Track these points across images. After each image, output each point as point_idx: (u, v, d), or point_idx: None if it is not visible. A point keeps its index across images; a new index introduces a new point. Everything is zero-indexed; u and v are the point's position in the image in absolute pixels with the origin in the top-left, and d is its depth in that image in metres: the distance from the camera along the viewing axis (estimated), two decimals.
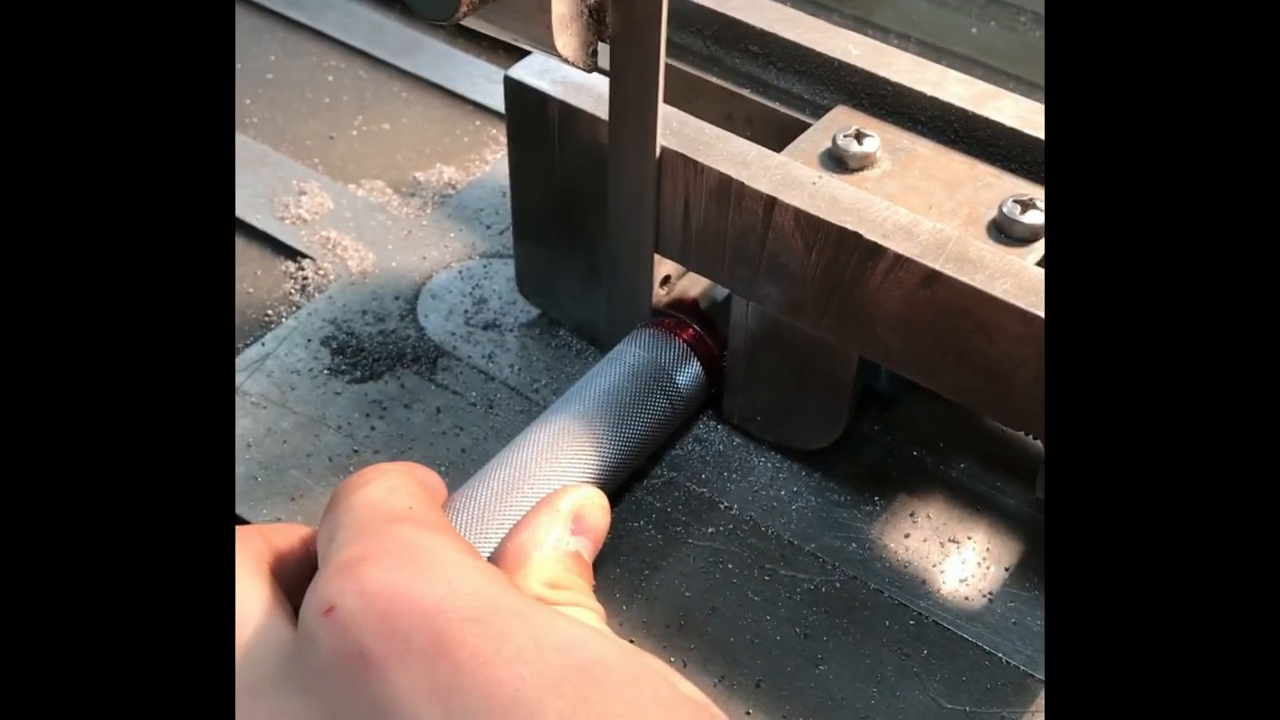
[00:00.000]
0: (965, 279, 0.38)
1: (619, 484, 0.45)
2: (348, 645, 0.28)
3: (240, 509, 0.45)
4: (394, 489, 0.34)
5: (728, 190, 0.42)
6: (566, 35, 0.37)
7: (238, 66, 0.67)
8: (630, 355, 0.46)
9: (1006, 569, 0.45)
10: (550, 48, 0.37)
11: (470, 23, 0.37)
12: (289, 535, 0.36)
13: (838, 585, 0.44)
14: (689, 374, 0.46)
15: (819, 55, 0.48)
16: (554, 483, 0.41)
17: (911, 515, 0.47)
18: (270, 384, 0.50)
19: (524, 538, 0.37)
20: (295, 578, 0.34)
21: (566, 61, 0.38)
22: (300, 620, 0.30)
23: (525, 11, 0.36)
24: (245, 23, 0.71)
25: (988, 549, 0.46)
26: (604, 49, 0.41)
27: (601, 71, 0.42)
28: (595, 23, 0.38)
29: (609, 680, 0.28)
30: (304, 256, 0.56)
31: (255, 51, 0.69)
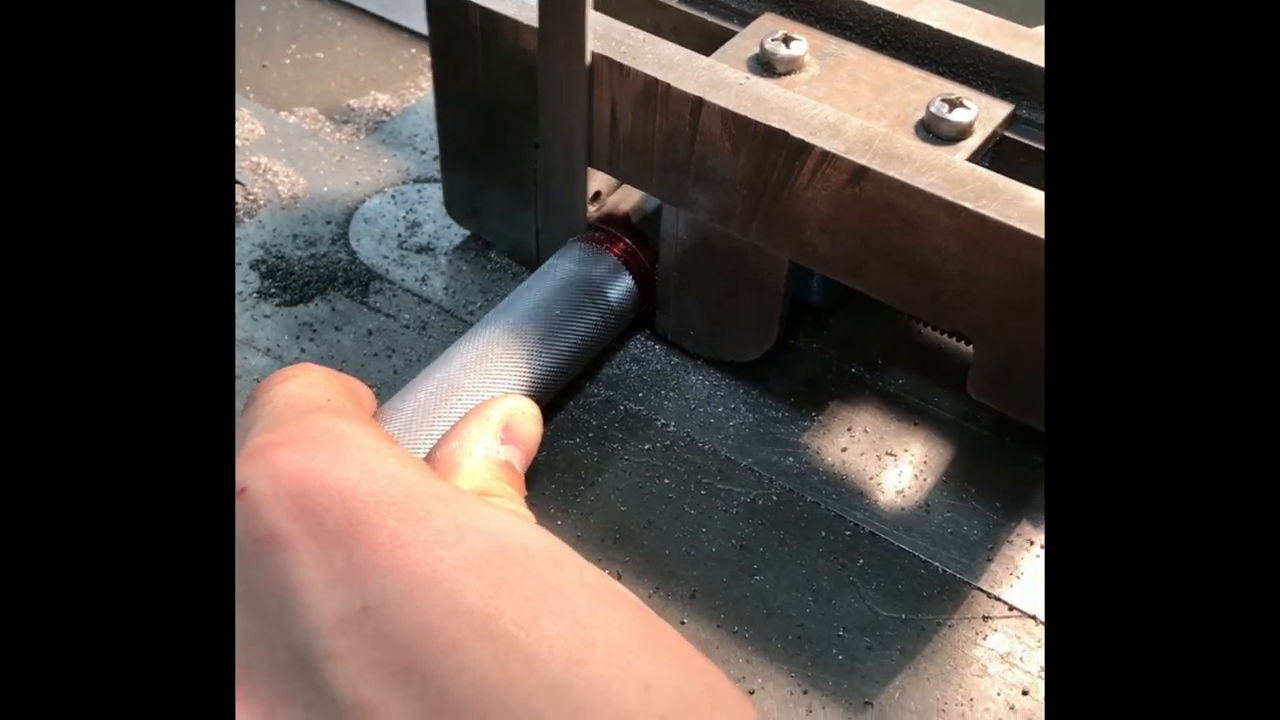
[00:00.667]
0: (892, 173, 0.38)
1: (550, 397, 0.44)
2: (259, 527, 0.28)
3: None
4: (313, 384, 0.34)
5: (654, 93, 0.41)
6: None
7: None
8: (561, 269, 0.45)
9: (944, 479, 0.45)
10: None
11: None
12: None
13: (774, 498, 0.44)
14: (620, 287, 0.46)
15: None
16: (483, 394, 0.40)
17: (849, 429, 0.47)
18: None
19: (453, 446, 0.37)
20: None
21: None
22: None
23: None
24: None
25: (925, 461, 0.46)
26: None
27: None
28: None
29: (532, 563, 0.28)
30: (233, 182, 0.54)
31: None
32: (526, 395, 0.41)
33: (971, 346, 0.45)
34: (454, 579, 0.27)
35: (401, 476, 0.29)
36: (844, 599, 0.41)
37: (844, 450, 0.46)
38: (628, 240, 0.47)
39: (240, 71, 0.61)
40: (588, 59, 0.42)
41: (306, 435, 0.30)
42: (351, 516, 0.28)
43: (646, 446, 0.45)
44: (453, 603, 0.27)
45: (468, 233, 0.53)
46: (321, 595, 0.27)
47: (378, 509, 0.28)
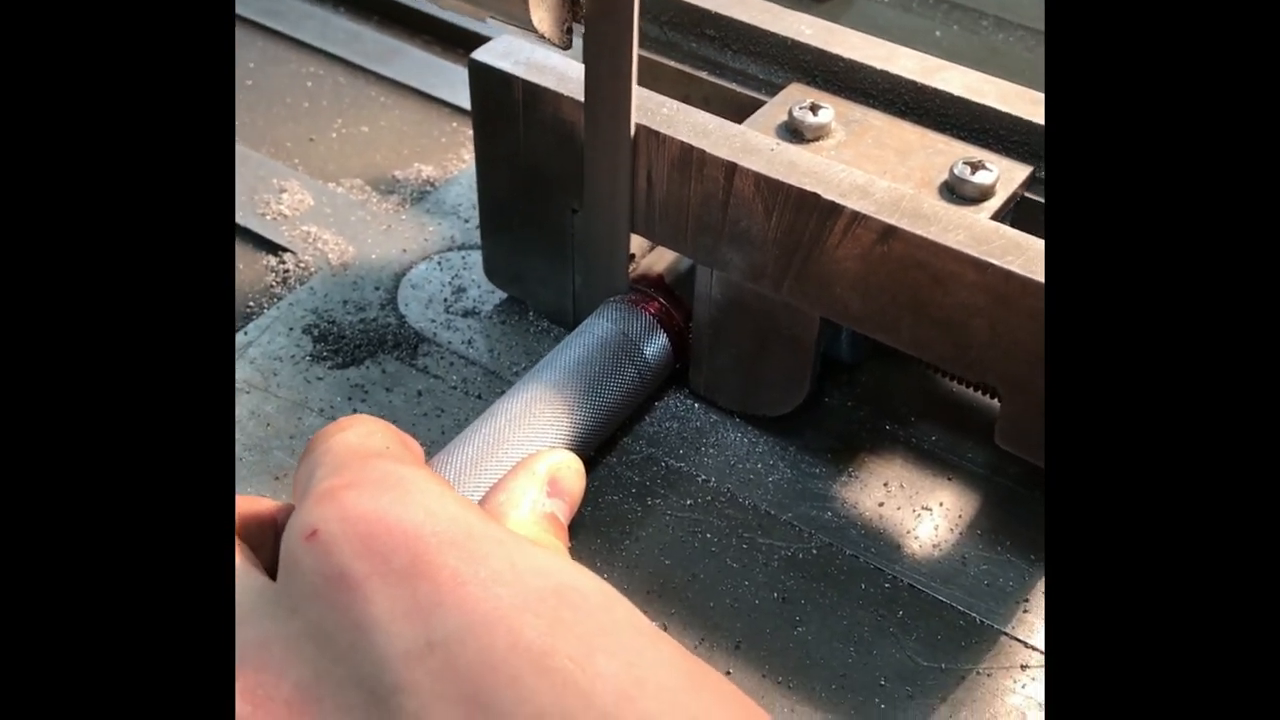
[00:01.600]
0: (920, 232, 0.40)
1: (591, 451, 0.46)
2: (330, 567, 0.29)
3: None
4: (370, 433, 0.35)
5: (689, 159, 0.43)
6: (542, 10, 0.38)
7: None
8: (599, 328, 0.47)
9: (979, 533, 0.46)
10: (525, 22, 0.38)
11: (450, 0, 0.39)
12: (251, 500, 0.37)
13: (814, 552, 0.45)
14: (656, 345, 0.48)
15: (773, 35, 0.50)
16: (528, 449, 0.42)
17: (885, 484, 0.48)
18: (253, 370, 0.50)
19: (501, 499, 0.38)
20: (256, 538, 0.35)
21: (541, 37, 0.39)
22: (283, 547, 0.31)
23: None
24: None
25: (959, 514, 0.47)
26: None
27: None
28: (571, 1, 0.40)
29: (584, 604, 0.29)
30: (285, 250, 0.57)
31: (236, 59, 0.70)
32: (569, 449, 0.43)
33: (997, 399, 0.47)
34: (513, 616, 0.28)
35: (462, 519, 0.31)
36: (885, 649, 0.42)
37: (880, 505, 0.47)
38: (662, 300, 0.49)
39: (288, 145, 0.64)
40: (632, 130, 0.44)
41: (372, 478, 0.32)
42: (416, 556, 0.29)
43: (688, 502, 0.47)
44: (512, 639, 0.28)
45: (510, 297, 0.54)
46: (389, 631, 0.28)
47: (440, 549, 0.29)
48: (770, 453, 0.49)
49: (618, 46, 0.42)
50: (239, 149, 0.63)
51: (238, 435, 0.48)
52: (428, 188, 0.61)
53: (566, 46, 0.41)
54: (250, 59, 0.70)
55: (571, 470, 0.40)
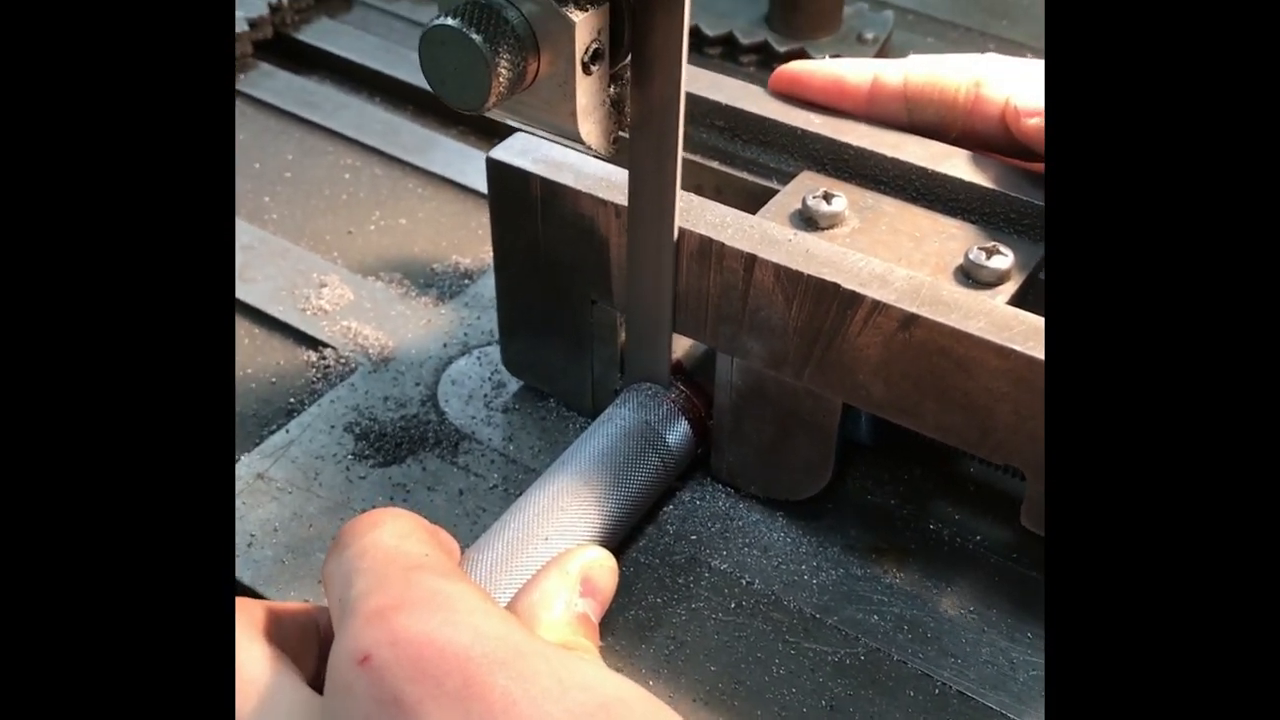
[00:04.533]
0: (942, 319, 0.40)
1: (618, 541, 0.46)
2: (384, 692, 0.30)
3: (267, 592, 0.46)
4: (405, 534, 0.35)
5: (709, 251, 0.44)
6: (590, 124, 0.39)
7: (256, 166, 0.69)
8: (620, 417, 0.48)
9: (1029, 636, 0.46)
10: (574, 136, 0.39)
11: (495, 113, 0.39)
12: (290, 607, 0.38)
13: (861, 657, 0.45)
14: (678, 432, 0.48)
15: (782, 125, 0.51)
16: (557, 543, 0.42)
17: (930, 586, 0.47)
18: (295, 470, 0.50)
19: (534, 599, 0.39)
20: (293, 641, 0.36)
21: (589, 150, 0.40)
22: (333, 669, 0.31)
23: (550, 102, 0.38)
24: (261, 123, 0.73)
25: (1009, 619, 0.46)
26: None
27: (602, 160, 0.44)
28: (616, 112, 0.40)
29: (630, 715, 0.30)
30: (325, 346, 0.57)
31: (273, 151, 0.71)
32: (596, 540, 0.43)
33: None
34: None
35: (508, 637, 0.32)
36: None
37: (926, 607, 0.47)
38: (682, 387, 0.49)
39: (328, 238, 0.65)
40: (675, 233, 0.44)
41: (417, 597, 0.32)
42: (468, 678, 0.30)
43: (733, 605, 0.46)
44: None
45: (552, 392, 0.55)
46: None
47: (490, 669, 0.30)
48: (814, 553, 0.48)
49: (663, 151, 0.43)
50: (279, 243, 0.63)
51: (280, 537, 0.48)
52: (465, 281, 0.61)
53: (611, 156, 0.42)
54: (288, 151, 0.71)
55: (605, 569, 0.41)
